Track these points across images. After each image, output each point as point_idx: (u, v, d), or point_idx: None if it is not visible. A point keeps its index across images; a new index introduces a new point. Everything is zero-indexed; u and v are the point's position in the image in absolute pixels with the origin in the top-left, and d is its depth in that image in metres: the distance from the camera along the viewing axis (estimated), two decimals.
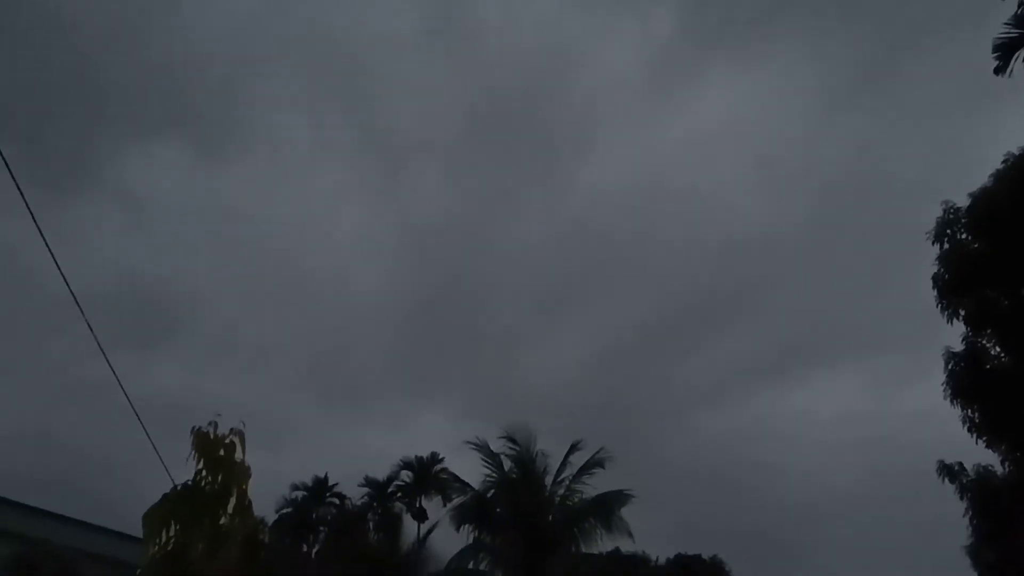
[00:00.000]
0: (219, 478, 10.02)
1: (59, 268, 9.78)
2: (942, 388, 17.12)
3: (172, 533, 9.76)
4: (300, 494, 44.87)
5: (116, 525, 36.93)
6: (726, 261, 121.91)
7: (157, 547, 9.69)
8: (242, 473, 10.06)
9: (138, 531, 10.37)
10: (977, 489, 16.50)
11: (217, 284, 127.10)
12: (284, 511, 42.22)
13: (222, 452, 10.05)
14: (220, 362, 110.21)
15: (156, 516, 9.73)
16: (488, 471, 32.42)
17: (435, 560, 31.43)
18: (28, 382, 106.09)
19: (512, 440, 32.29)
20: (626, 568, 29.99)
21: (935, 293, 17.37)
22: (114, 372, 10.57)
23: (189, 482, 10.02)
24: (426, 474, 46.70)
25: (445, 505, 39.45)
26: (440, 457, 46.88)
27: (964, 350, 17.17)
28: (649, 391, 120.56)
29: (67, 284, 10.02)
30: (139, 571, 10.83)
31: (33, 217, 9.11)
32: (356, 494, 44.28)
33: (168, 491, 9.92)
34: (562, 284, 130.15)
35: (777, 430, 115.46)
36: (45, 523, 37.17)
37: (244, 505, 10.01)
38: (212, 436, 10.06)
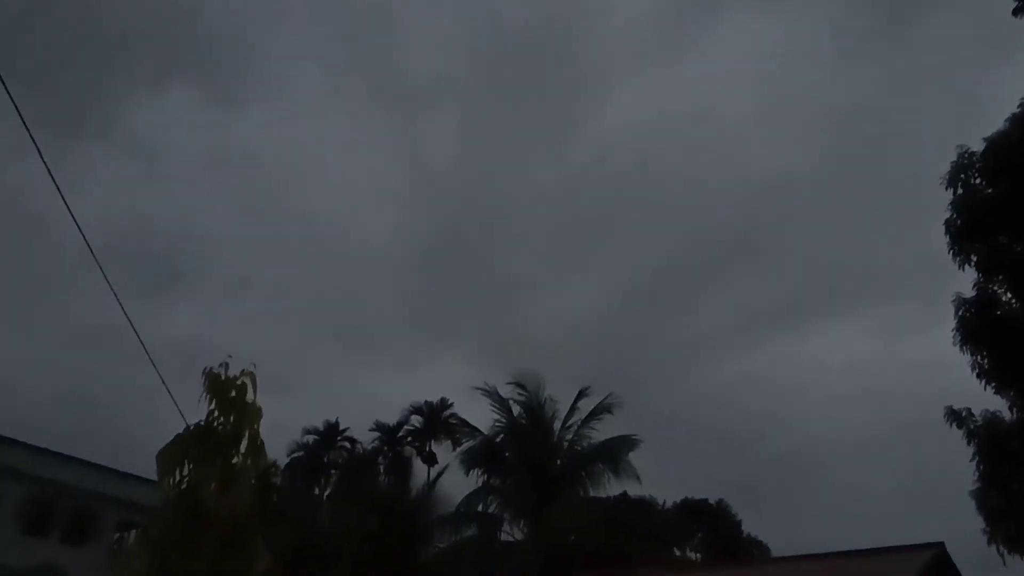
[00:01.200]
0: (231, 419, 10.13)
1: (71, 214, 9.79)
2: (952, 334, 17.09)
3: (186, 472, 9.91)
4: (311, 438, 45.47)
5: (130, 468, 37.62)
6: (739, 207, 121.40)
7: (171, 485, 9.85)
8: (254, 414, 10.16)
9: (151, 474, 10.53)
10: (984, 434, 16.54)
11: (229, 231, 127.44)
12: (296, 455, 42.83)
13: (233, 393, 10.15)
14: (232, 309, 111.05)
15: (170, 455, 9.86)
16: (497, 416, 32.88)
17: (445, 503, 31.91)
18: (42, 328, 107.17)
19: (521, 386, 32.67)
20: (633, 511, 30.36)
21: (947, 239, 17.24)
22: (126, 314, 10.64)
23: (201, 423, 10.13)
24: (435, 419, 47.15)
25: (454, 449, 40.07)
26: (449, 403, 47.35)
27: (975, 296, 17.10)
28: (659, 338, 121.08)
29: (80, 229, 10.04)
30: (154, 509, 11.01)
31: (45, 163, 9.09)
32: (367, 438, 44.88)
33: (181, 431, 10.05)
34: (574, 230, 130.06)
35: (786, 379, 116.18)
36: (60, 466, 37.86)
37: (256, 445, 10.13)
38: (223, 377, 10.15)
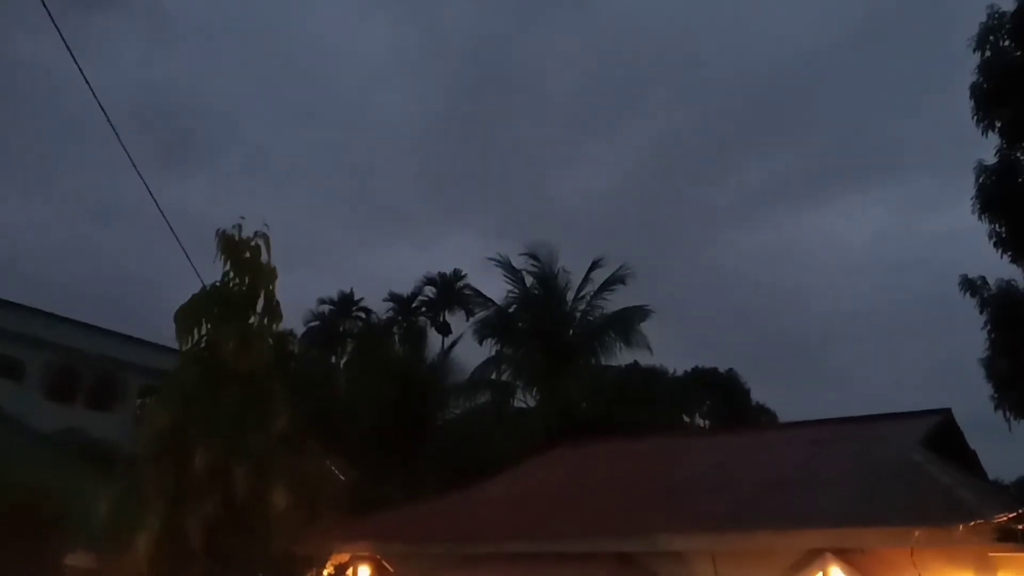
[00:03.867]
0: (246, 279, 10.19)
1: (88, 83, 9.59)
2: (971, 202, 16.91)
3: (204, 332, 10.04)
4: (327, 308, 46.06)
5: (152, 337, 38.33)
6: (761, 80, 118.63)
7: (190, 344, 10.00)
8: (268, 275, 10.21)
9: (173, 342, 10.67)
10: (997, 303, 16.56)
11: (246, 102, 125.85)
12: (312, 324, 43.46)
13: (248, 254, 10.18)
14: (248, 181, 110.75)
15: (187, 314, 9.97)
16: (510, 287, 33.13)
17: (459, 371, 32.48)
18: (62, 199, 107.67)
19: (534, 257, 32.78)
20: (643, 380, 30.89)
21: (972, 104, 16.84)
22: (142, 178, 10.56)
23: (217, 283, 10.20)
24: (449, 290, 47.56)
25: (468, 320, 40.56)
26: (463, 273, 47.64)
27: (997, 162, 16.82)
28: (677, 212, 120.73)
29: (96, 99, 9.86)
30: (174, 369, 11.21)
31: (59, 31, 8.83)
32: (381, 309, 45.35)
33: (197, 292, 10.13)
34: (594, 102, 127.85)
35: (804, 253, 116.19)
36: (82, 334, 38.65)
37: (272, 306, 10.22)
38: (237, 239, 10.15)
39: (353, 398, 28.89)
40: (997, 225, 16.64)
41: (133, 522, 8.80)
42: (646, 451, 20.97)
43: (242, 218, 10.18)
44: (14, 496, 10.12)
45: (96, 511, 9.01)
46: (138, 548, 8.61)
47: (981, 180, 16.80)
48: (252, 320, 10.15)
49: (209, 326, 10.02)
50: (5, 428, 20.53)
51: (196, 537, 8.72)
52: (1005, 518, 11.07)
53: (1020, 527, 10.98)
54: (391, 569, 16.56)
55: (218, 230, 10.02)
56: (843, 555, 12.48)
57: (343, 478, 11.26)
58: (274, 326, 10.25)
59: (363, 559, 16.31)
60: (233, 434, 9.37)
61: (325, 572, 11.32)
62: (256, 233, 10.19)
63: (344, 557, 13.86)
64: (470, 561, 15.16)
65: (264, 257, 10.24)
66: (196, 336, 10.00)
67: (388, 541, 17.35)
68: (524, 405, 31.86)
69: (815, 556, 12.66)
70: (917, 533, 11.59)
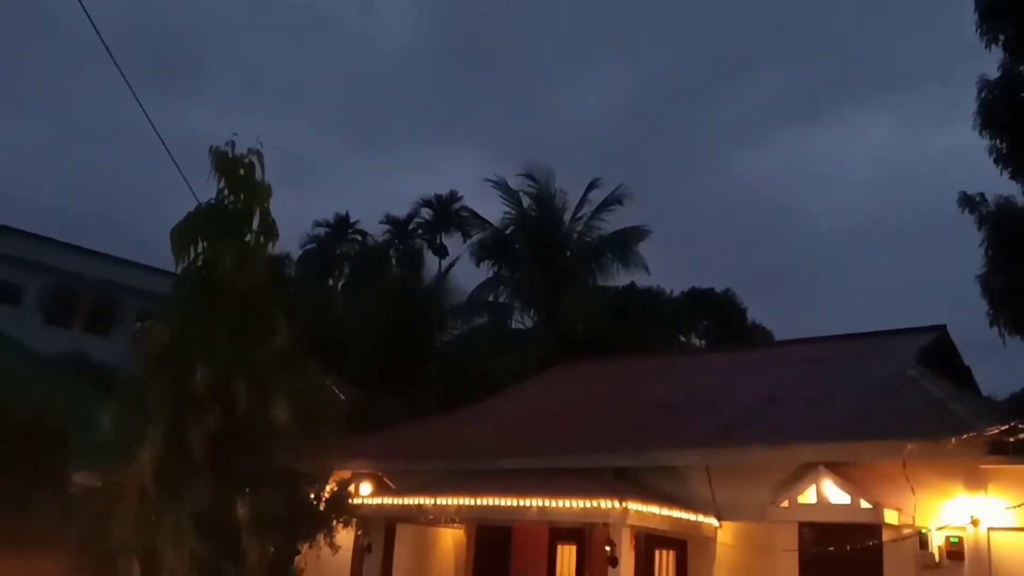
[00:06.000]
0: (241, 197, 10.11)
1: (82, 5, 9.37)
2: (973, 118, 16.74)
3: (200, 250, 10.01)
4: (323, 231, 45.87)
5: (147, 260, 38.28)
6: None
7: (187, 263, 9.98)
8: (263, 192, 10.12)
9: (169, 265, 10.65)
10: (995, 219, 16.54)
11: (242, 25, 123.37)
12: (308, 247, 43.34)
13: (242, 171, 10.07)
14: (245, 105, 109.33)
15: (183, 232, 9.91)
16: (507, 209, 33.01)
17: (456, 293, 32.54)
18: (59, 123, 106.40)
19: (531, 178, 32.59)
20: (640, 300, 31.01)
21: (976, 17, 16.55)
22: (133, 92, 10.41)
23: (212, 201, 10.13)
24: (446, 211, 47.31)
25: (465, 242, 40.46)
26: (459, 195, 47.29)
27: (999, 77, 16.60)
28: (677, 132, 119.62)
29: (86, 13, 9.64)
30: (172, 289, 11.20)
31: None
32: (377, 232, 45.16)
33: (192, 210, 10.07)
34: (594, 24, 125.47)
35: (806, 172, 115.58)
36: (80, 258, 38.60)
37: (268, 224, 10.16)
38: (231, 155, 10.04)
39: (351, 321, 29.00)
40: (998, 141, 16.51)
41: (135, 435, 8.89)
42: (642, 370, 21.20)
43: (235, 134, 10.06)
44: (18, 413, 10.21)
45: (99, 427, 9.09)
46: (142, 461, 8.72)
47: (983, 95, 16.61)
48: (248, 238, 10.10)
49: (205, 244, 9.97)
50: (5, 350, 20.65)
51: (199, 450, 8.82)
52: (997, 431, 11.25)
53: (1011, 440, 11.16)
54: (392, 485, 16.88)
55: (211, 146, 9.91)
56: (836, 468, 12.72)
57: (343, 397, 11.33)
58: (270, 244, 10.21)
59: (365, 476, 16.61)
60: (232, 350, 9.40)
61: (328, 488, 11.48)
62: (250, 150, 10.07)
63: (346, 474, 14.08)
64: (470, 477, 15.44)
65: (259, 174, 10.14)
66: (193, 254, 9.97)
67: (389, 458, 17.68)
68: (522, 326, 32.09)
69: (808, 469, 12.91)
70: (909, 446, 11.79)
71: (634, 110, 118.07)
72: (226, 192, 10.14)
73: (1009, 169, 16.49)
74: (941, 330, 18.04)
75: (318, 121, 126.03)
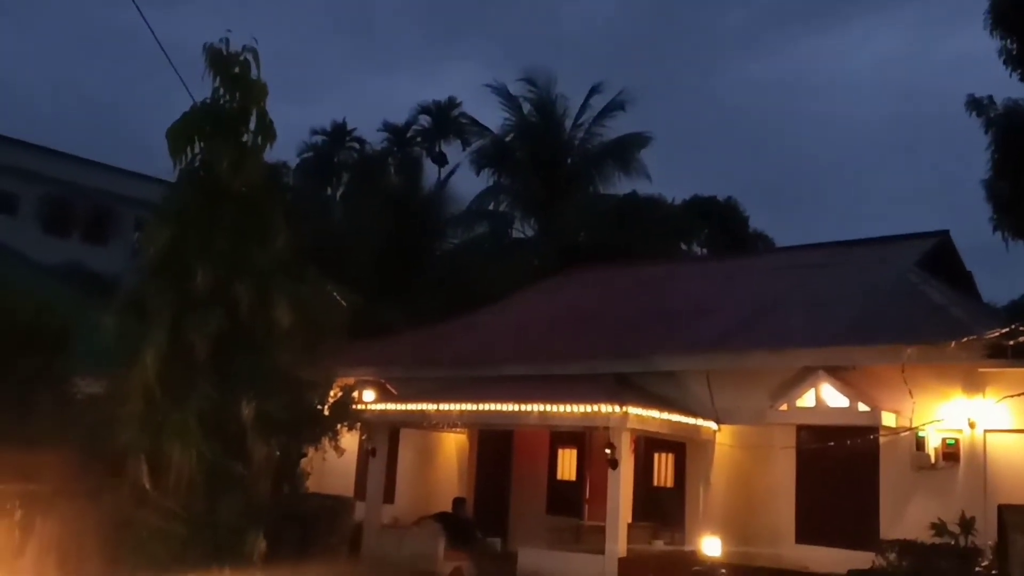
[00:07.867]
0: (236, 96, 9.91)
1: None
2: (984, 17, 16.23)
3: (197, 151, 9.85)
4: (320, 139, 45.20)
5: (145, 169, 37.85)
6: None
7: (184, 163, 9.84)
8: (259, 91, 9.91)
9: (167, 174, 10.49)
10: (1002, 122, 16.20)
11: None
12: (306, 155, 42.76)
13: (237, 70, 9.85)
14: (242, 12, 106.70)
15: (179, 132, 9.74)
16: (507, 115, 32.45)
17: (456, 201, 32.21)
18: (54, 29, 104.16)
19: (531, 83, 31.94)
20: (641, 208, 30.71)
21: None
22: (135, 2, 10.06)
23: (207, 100, 9.92)
24: (444, 118, 46.51)
25: (464, 150, 39.93)
26: (458, 101, 46.40)
27: None
28: (683, 36, 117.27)
29: None
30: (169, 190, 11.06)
31: None
32: (376, 139, 44.46)
33: (188, 110, 9.87)
34: None
35: (812, 78, 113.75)
36: (77, 168, 38.20)
37: (265, 123, 9.98)
38: (225, 53, 9.79)
39: (350, 229, 28.79)
40: (1009, 41, 16.04)
41: (138, 339, 8.89)
42: (643, 278, 21.17)
43: (229, 31, 9.78)
44: (16, 315, 10.17)
45: (101, 330, 9.09)
46: (145, 363, 8.74)
47: None
48: (245, 138, 9.93)
49: (202, 144, 9.81)
50: (3, 259, 20.58)
51: (202, 352, 8.84)
52: (996, 334, 11.29)
53: (1010, 343, 11.20)
54: (394, 392, 17.03)
55: (205, 44, 9.66)
56: (835, 372, 12.81)
57: (344, 304, 11.32)
58: (268, 145, 10.03)
59: (367, 383, 16.76)
60: (233, 251, 9.33)
61: (331, 394, 11.57)
62: (245, 48, 9.82)
63: (349, 380, 14.18)
64: (471, 383, 15.57)
65: (254, 73, 9.92)
66: (190, 155, 9.81)
67: (391, 365, 17.79)
68: (522, 235, 31.94)
69: (808, 373, 13.00)
70: (909, 350, 11.86)
71: (637, 12, 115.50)
72: (221, 91, 9.93)
73: (1019, 71, 16.06)
74: (943, 236, 17.96)
75: (314, 25, 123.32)
